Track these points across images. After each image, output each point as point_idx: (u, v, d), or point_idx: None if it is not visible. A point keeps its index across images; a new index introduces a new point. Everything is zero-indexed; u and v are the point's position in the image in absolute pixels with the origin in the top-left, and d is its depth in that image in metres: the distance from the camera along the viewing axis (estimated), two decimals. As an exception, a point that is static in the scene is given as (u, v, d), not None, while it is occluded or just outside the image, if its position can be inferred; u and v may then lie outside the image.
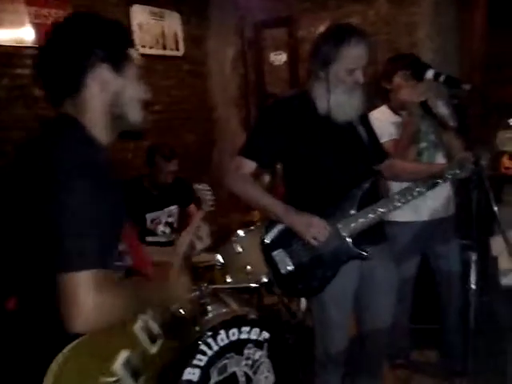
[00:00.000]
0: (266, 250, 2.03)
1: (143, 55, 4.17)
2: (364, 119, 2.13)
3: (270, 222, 2.05)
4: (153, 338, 1.33)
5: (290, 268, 1.98)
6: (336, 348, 2.11)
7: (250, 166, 1.99)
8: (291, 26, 4.53)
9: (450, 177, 2.03)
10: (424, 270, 2.83)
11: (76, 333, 1.07)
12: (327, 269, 1.98)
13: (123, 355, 1.21)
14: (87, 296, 1.04)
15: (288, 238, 1.99)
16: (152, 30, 4.26)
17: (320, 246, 1.94)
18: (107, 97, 1.22)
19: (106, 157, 1.21)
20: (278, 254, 1.99)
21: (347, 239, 1.97)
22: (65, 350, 1.09)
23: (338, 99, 1.93)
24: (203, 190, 1.74)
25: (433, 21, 3.99)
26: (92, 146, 1.18)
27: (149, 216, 3.25)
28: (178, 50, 4.57)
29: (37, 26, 3.24)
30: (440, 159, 2.62)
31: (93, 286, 1.04)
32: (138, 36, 4.10)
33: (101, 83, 1.21)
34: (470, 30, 3.98)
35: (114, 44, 1.23)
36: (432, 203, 2.55)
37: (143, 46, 4.17)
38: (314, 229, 1.90)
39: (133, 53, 1.27)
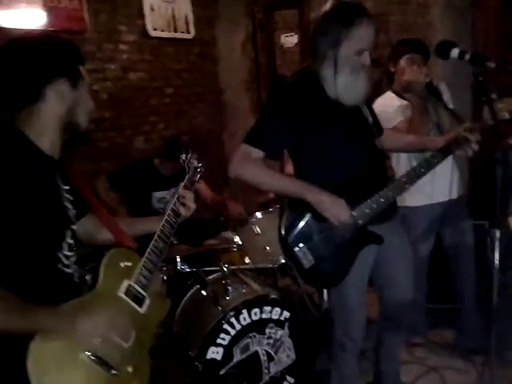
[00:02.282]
0: (287, 246, 1.97)
1: (155, 38, 4.18)
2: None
3: (286, 216, 1.99)
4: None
5: (312, 262, 1.95)
6: (355, 327, 2.13)
7: (256, 154, 1.89)
8: (302, 7, 4.48)
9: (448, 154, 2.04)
10: (438, 250, 2.86)
11: None
12: (347, 257, 1.98)
13: (125, 284, 1.40)
14: None
15: (308, 232, 1.96)
16: (163, 13, 4.22)
17: (339, 235, 1.93)
18: (63, 108, 1.34)
19: (46, 165, 1.31)
20: (300, 250, 1.95)
21: (363, 226, 1.96)
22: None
23: (345, 81, 1.88)
24: (189, 158, 1.79)
25: (446, 1, 3.95)
26: (27, 155, 1.27)
27: (155, 195, 3.26)
28: (188, 32, 4.54)
29: (50, 10, 3.23)
30: None
31: None
32: (149, 19, 4.07)
33: (58, 95, 1.32)
34: (483, 10, 3.93)
35: (71, 61, 1.37)
36: (441, 185, 2.58)
37: (155, 29, 4.14)
38: (338, 209, 1.88)
39: (83, 70, 1.41)
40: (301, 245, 1.94)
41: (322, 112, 1.92)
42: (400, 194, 2.03)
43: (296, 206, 1.96)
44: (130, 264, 1.45)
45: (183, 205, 1.62)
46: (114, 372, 1.27)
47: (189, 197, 1.64)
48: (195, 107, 4.76)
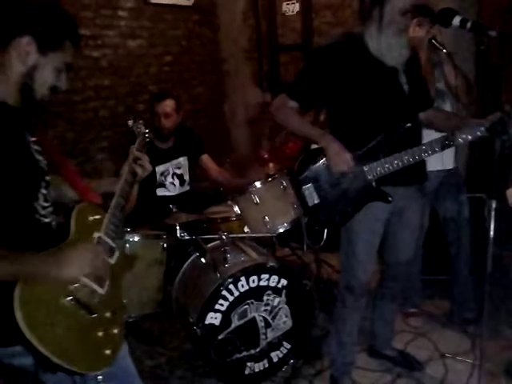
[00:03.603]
0: (298, 183, 2.21)
1: (154, 4, 4.12)
2: (412, 65, 2.12)
3: (303, 158, 2.22)
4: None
5: (316, 201, 2.16)
6: (357, 280, 2.22)
7: (292, 105, 2.16)
8: (305, -26, 4.41)
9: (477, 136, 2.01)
10: (434, 222, 2.88)
11: None
12: (349, 206, 2.13)
13: (95, 235, 1.45)
14: None
15: (318, 175, 2.15)
16: (162, -22, 4.15)
17: (346, 182, 2.09)
18: (21, 67, 1.32)
19: (12, 117, 1.32)
20: (308, 188, 2.17)
21: (372, 182, 2.07)
22: None
23: (388, 41, 1.98)
24: (136, 124, 1.92)
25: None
26: None
27: (158, 169, 3.25)
28: (188, -2, 4.47)
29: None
30: (447, 107, 2.66)
31: None
32: (149, -15, 4.01)
33: (20, 53, 1.31)
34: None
35: (48, 27, 1.34)
36: (439, 154, 2.58)
37: (154, -5, 4.08)
38: (339, 158, 2.06)
39: (69, 47, 1.39)
40: (309, 184, 2.17)
41: (360, 72, 2.03)
42: (416, 160, 2.05)
43: (313, 151, 2.19)
44: (98, 217, 1.53)
45: (140, 166, 1.70)
46: (94, 315, 1.36)
47: (144, 158, 1.73)
48: (195, 76, 4.71)
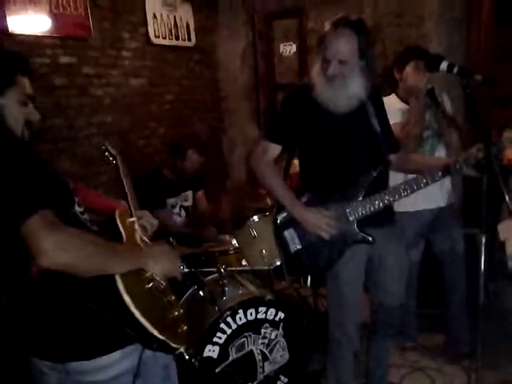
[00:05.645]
0: (278, 229, 2.16)
1: (157, 45, 4.28)
2: (378, 108, 2.18)
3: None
4: None
5: (298, 247, 2.12)
6: (351, 324, 2.22)
7: (275, 149, 2.14)
8: (301, 17, 4.60)
9: (456, 172, 2.10)
10: (429, 256, 2.94)
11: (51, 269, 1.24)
12: (333, 250, 2.10)
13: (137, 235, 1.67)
14: (44, 234, 1.21)
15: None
16: (165, 21, 4.33)
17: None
18: None
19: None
20: (289, 233, 2.13)
21: (354, 224, 2.08)
22: None
23: (323, 88, 2.03)
24: (110, 151, 2.09)
25: (441, 14, 4.05)
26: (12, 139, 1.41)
27: (169, 201, 3.37)
28: (189, 40, 4.64)
29: (56, 17, 3.31)
30: (441, 149, 2.75)
31: (45, 225, 1.22)
32: (152, 27, 4.17)
33: None
34: (477, 23, 4.03)
35: None
36: (430, 192, 2.65)
37: (157, 37, 4.24)
38: (315, 228, 2.05)
39: (23, 80, 1.46)
40: (290, 228, 2.13)
41: (318, 116, 2.06)
42: (396, 200, 2.12)
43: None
44: (132, 219, 1.75)
45: (147, 222, 1.81)
46: (167, 298, 1.51)
47: (145, 215, 1.83)
48: (195, 114, 4.84)
